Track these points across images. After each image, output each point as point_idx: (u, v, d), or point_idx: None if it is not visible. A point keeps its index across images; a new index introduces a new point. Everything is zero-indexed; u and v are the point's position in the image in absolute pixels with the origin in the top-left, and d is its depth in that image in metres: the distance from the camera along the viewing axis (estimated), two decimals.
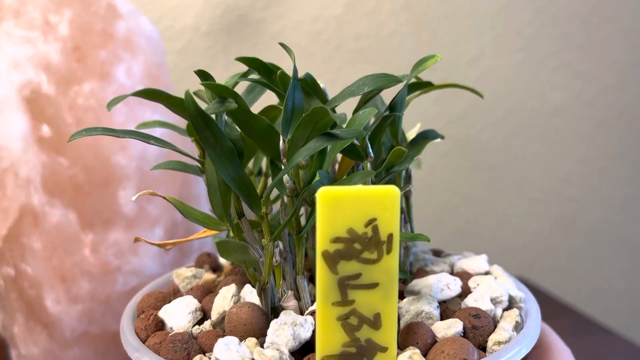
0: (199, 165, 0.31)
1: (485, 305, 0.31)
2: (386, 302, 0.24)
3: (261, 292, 0.30)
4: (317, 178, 0.29)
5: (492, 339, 0.29)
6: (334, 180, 0.31)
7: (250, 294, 0.31)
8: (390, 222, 0.23)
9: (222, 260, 0.40)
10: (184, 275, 0.36)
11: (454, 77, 0.69)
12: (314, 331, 0.27)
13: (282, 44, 0.31)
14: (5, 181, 0.43)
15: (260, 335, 0.28)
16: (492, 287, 0.33)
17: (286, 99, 0.28)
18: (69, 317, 0.44)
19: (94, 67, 0.44)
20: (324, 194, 0.23)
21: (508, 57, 0.71)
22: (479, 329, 0.29)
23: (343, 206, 0.23)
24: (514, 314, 0.31)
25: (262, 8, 0.65)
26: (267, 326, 0.28)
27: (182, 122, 0.33)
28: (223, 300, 0.30)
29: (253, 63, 0.31)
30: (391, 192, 0.23)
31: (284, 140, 0.28)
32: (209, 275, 0.35)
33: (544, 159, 0.75)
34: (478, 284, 0.33)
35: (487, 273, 0.37)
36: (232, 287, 0.31)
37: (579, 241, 0.79)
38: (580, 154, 0.76)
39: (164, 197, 0.31)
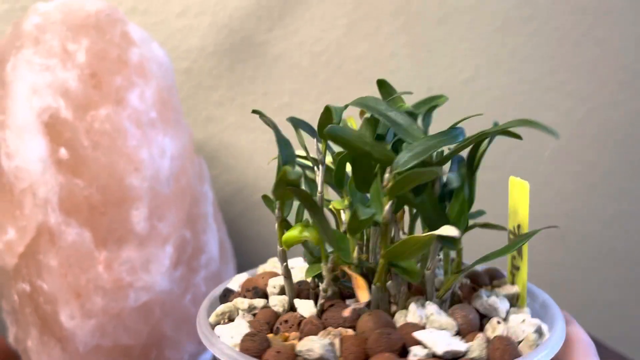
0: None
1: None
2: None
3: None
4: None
5: None
6: None
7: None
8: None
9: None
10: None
11: (450, 97, 0.71)
12: None
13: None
14: (24, 201, 0.45)
15: None
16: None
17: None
18: (83, 331, 0.46)
19: (109, 93, 0.46)
20: (514, 181, 0.37)
21: (502, 78, 0.74)
22: None
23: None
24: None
25: (266, 30, 0.67)
26: None
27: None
28: (413, 316, 0.33)
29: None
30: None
31: (390, 172, 0.31)
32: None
33: (535, 176, 0.77)
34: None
35: None
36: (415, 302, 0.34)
37: (570, 255, 0.81)
38: (571, 170, 0.78)
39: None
